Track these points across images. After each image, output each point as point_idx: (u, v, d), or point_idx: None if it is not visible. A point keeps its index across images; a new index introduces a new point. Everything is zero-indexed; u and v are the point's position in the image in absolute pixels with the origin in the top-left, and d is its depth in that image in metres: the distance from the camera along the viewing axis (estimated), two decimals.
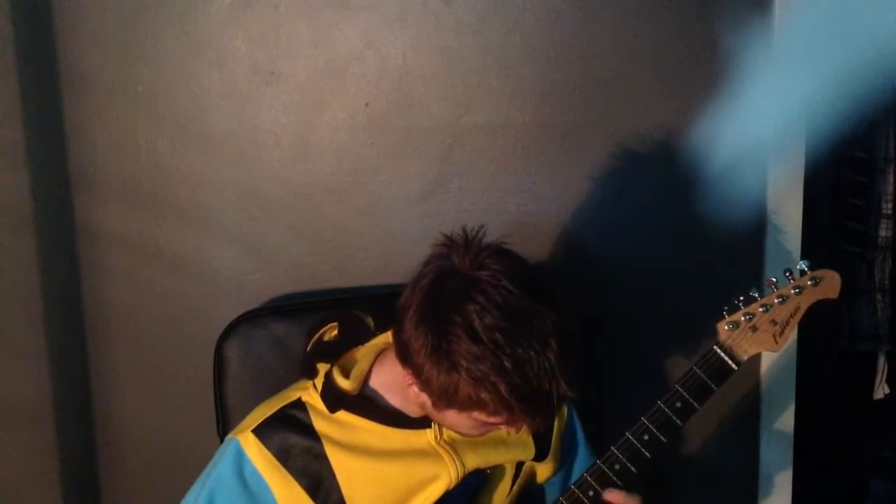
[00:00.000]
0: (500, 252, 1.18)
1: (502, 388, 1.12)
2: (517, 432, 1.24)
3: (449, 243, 1.20)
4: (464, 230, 1.20)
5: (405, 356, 1.19)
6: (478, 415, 1.18)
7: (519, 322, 1.13)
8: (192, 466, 1.35)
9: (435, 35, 1.58)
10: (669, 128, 1.61)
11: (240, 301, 1.60)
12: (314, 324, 1.40)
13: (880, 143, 2.04)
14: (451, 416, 1.21)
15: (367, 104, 1.60)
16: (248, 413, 1.33)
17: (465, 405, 1.16)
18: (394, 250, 1.63)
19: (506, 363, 1.11)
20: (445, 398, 1.16)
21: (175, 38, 1.56)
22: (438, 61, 1.59)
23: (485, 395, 1.13)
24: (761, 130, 1.57)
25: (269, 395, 1.34)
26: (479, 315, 1.12)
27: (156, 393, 1.66)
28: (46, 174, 1.59)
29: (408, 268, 1.62)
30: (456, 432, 1.28)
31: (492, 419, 1.18)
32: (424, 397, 1.21)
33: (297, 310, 1.54)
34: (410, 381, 1.21)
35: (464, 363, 1.12)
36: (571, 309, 1.17)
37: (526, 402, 1.14)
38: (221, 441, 1.47)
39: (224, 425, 1.49)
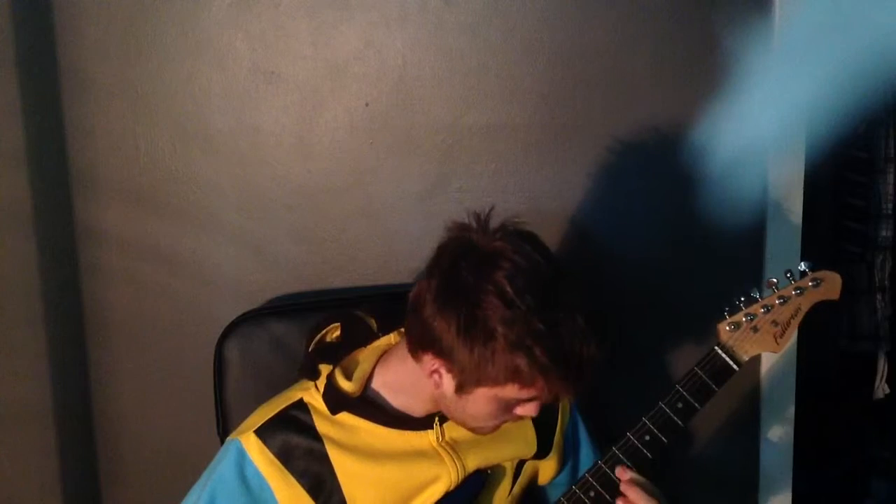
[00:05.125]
0: (514, 228, 1.20)
1: (537, 350, 1.12)
2: (539, 409, 1.23)
3: (461, 227, 1.21)
4: (475, 213, 1.21)
5: (429, 342, 1.18)
6: (510, 388, 1.16)
7: (547, 286, 1.14)
8: (192, 466, 1.35)
9: (435, 35, 1.58)
10: (669, 128, 1.61)
11: (240, 301, 1.60)
12: (316, 324, 1.40)
13: (880, 143, 2.05)
14: (478, 397, 1.19)
15: (367, 104, 1.60)
16: (247, 413, 1.33)
17: (499, 378, 1.15)
18: (394, 250, 1.63)
19: (539, 326, 1.12)
20: (478, 374, 1.15)
21: (175, 38, 1.56)
22: (438, 61, 1.59)
23: (520, 361, 1.13)
24: (761, 130, 1.57)
25: (269, 395, 1.33)
26: (509, 280, 1.13)
27: (156, 393, 1.66)
28: (46, 174, 1.59)
29: (408, 268, 1.64)
30: (470, 427, 1.27)
31: (524, 392, 1.17)
32: (447, 384, 1.20)
33: (297, 310, 1.54)
34: (433, 368, 1.20)
35: (500, 328, 1.12)
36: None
37: (561, 365, 1.14)
38: (221, 441, 1.47)
39: (224, 425, 1.49)
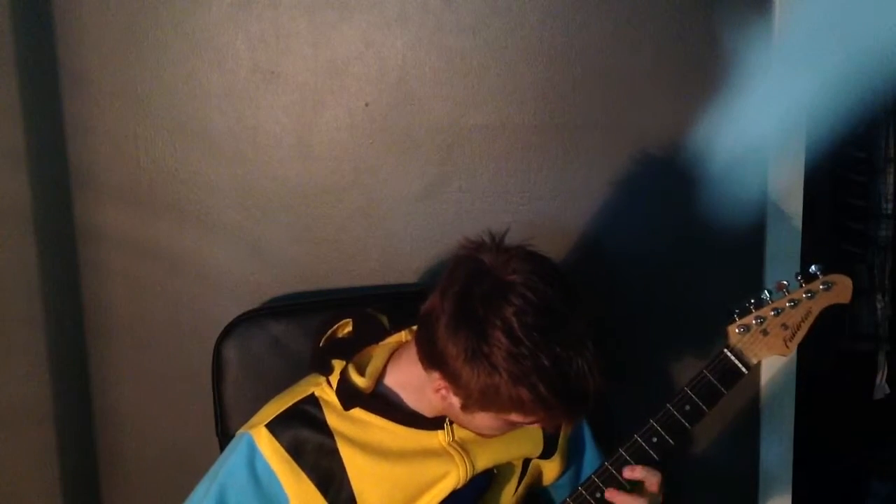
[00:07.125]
0: (529, 254, 1.19)
1: (541, 387, 1.13)
2: (549, 428, 1.26)
3: (475, 246, 1.20)
4: (490, 233, 1.21)
5: (438, 362, 1.19)
6: (514, 416, 1.19)
7: (556, 322, 1.14)
8: (192, 466, 1.35)
9: (435, 35, 1.58)
10: (669, 128, 1.61)
11: (239, 301, 1.60)
12: (326, 320, 1.39)
13: (880, 144, 2.04)
14: (483, 418, 1.21)
15: (367, 104, 1.59)
16: (247, 413, 1.33)
17: (503, 407, 1.17)
18: (394, 250, 1.63)
19: (545, 362, 1.12)
20: (483, 401, 1.17)
21: (175, 38, 1.56)
22: (438, 61, 1.59)
23: (524, 395, 1.14)
24: (761, 130, 1.57)
25: (268, 395, 1.33)
26: (518, 316, 1.13)
27: (155, 393, 1.66)
28: (46, 174, 1.58)
29: (408, 268, 1.64)
30: (476, 433, 1.28)
31: (528, 419, 1.19)
32: (453, 401, 1.21)
33: (296, 310, 1.53)
34: (440, 386, 1.21)
35: (504, 365, 1.13)
36: (591, 308, 1.19)
37: (564, 401, 1.15)
38: (220, 441, 1.47)
39: (223, 425, 1.49)
